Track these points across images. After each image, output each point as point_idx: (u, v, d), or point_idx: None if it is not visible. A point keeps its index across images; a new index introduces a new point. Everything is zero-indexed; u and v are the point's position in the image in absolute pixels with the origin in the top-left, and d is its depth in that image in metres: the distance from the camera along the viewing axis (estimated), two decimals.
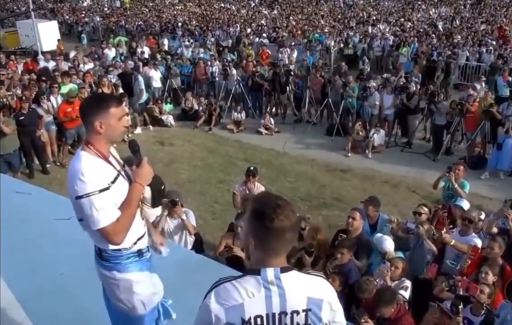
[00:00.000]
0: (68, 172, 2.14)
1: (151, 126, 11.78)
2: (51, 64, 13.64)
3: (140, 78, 11.58)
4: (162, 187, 5.22)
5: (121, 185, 2.20)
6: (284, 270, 1.64)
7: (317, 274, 1.75)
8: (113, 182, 2.15)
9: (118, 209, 2.15)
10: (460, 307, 3.63)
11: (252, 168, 6.25)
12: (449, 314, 3.71)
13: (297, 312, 1.63)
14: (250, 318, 1.60)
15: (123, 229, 2.15)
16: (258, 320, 1.61)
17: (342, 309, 1.75)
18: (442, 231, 4.85)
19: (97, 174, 2.09)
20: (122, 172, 2.27)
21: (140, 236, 2.32)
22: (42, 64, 13.94)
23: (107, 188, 2.10)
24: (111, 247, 2.19)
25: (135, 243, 2.28)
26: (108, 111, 2.17)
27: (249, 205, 1.71)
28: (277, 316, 1.62)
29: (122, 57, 15.04)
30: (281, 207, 1.60)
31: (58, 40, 19.01)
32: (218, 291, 1.64)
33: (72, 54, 15.02)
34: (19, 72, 12.18)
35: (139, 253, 2.31)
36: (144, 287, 2.31)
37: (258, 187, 6.14)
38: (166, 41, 19.54)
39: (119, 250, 2.22)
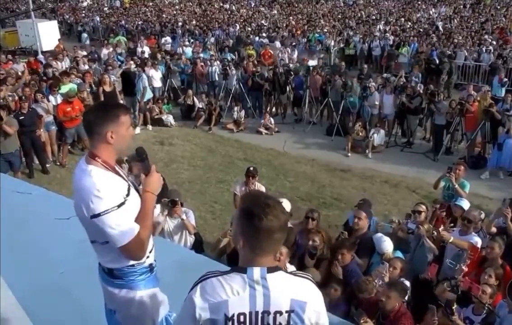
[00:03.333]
0: (77, 190, 2.01)
1: (150, 126, 11.80)
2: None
3: (144, 76, 11.62)
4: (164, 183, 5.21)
5: (134, 196, 2.12)
6: (270, 270, 1.65)
7: (303, 276, 1.76)
8: (127, 194, 2.06)
9: (134, 222, 2.06)
10: (454, 307, 3.63)
11: (251, 168, 6.23)
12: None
13: (280, 313, 1.65)
14: (233, 315, 1.62)
15: (143, 243, 2.07)
16: (241, 317, 1.63)
17: (325, 311, 1.76)
18: (440, 229, 4.85)
19: (112, 189, 1.99)
20: (129, 182, 2.18)
21: (150, 248, 2.25)
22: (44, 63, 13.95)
23: (124, 203, 2.01)
24: (127, 263, 2.11)
25: (147, 256, 2.21)
26: (118, 119, 2.07)
27: (239, 204, 1.72)
28: (259, 315, 1.64)
29: (121, 57, 15.06)
30: (271, 207, 1.60)
31: (59, 39, 19.01)
32: (204, 286, 1.66)
33: (80, 53, 15.09)
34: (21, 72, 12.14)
35: (151, 268, 2.25)
36: (153, 303, 2.26)
37: (259, 188, 6.13)
38: (170, 40, 19.53)
39: (133, 265, 2.14)
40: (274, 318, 1.65)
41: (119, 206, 1.98)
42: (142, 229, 2.05)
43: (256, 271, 1.63)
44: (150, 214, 2.13)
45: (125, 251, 2.03)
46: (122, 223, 1.98)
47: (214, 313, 1.62)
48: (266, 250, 1.65)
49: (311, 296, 1.69)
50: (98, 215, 1.94)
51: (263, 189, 6.18)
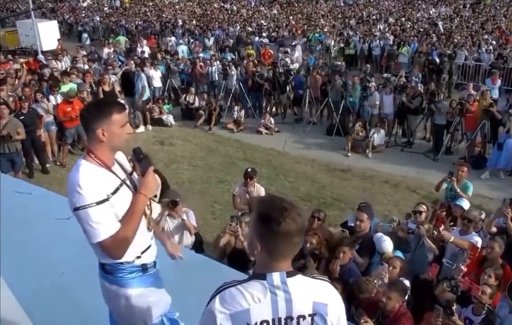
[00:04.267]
0: (67, 183, 2.05)
1: (150, 126, 11.81)
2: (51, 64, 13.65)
3: (143, 76, 11.63)
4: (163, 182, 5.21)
5: (124, 195, 2.11)
6: (290, 274, 1.62)
7: (322, 278, 1.73)
8: (113, 192, 2.05)
9: (119, 221, 2.05)
10: (453, 308, 3.63)
11: (249, 169, 6.14)
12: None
13: (303, 317, 1.62)
14: (256, 324, 1.59)
15: (123, 243, 2.05)
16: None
17: (345, 312, 1.74)
18: (441, 228, 4.85)
19: (95, 185, 2.00)
20: (127, 181, 2.17)
21: (144, 249, 2.23)
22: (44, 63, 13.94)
23: (106, 200, 2.01)
24: (114, 260, 2.12)
25: (138, 257, 2.19)
26: (110, 118, 2.07)
27: (254, 208, 1.67)
28: (283, 321, 1.61)
29: (121, 57, 15.06)
30: (288, 210, 1.57)
31: (58, 40, 19.01)
32: (223, 296, 1.61)
33: (82, 52, 15.11)
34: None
35: (143, 268, 2.22)
36: (143, 303, 2.23)
37: (258, 189, 6.09)
38: (173, 39, 19.50)
39: (121, 263, 2.14)
40: (298, 323, 1.62)
41: (98, 203, 1.98)
42: (123, 229, 2.04)
43: (276, 277, 1.60)
44: (137, 215, 2.11)
45: (102, 248, 2.04)
46: (99, 220, 1.98)
47: (236, 322, 1.58)
48: (285, 254, 1.62)
49: (332, 297, 1.68)
50: (78, 209, 1.97)
51: (262, 190, 6.16)
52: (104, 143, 2.08)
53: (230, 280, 1.66)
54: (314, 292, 1.64)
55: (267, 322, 1.59)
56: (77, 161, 2.12)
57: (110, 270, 2.16)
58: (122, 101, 10.47)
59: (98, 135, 2.06)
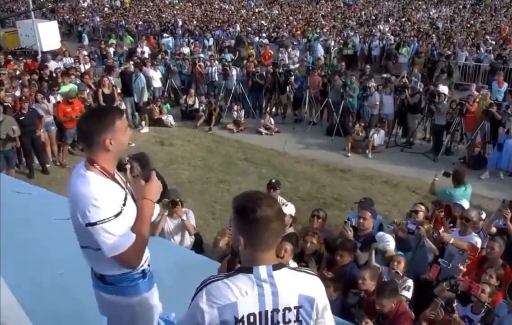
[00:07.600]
0: (74, 196, 1.98)
1: (148, 127, 11.81)
2: (53, 64, 13.65)
3: (142, 76, 11.61)
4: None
5: (131, 204, 2.09)
6: (276, 267, 1.66)
7: (308, 272, 1.77)
8: (124, 204, 2.03)
9: (131, 230, 2.03)
10: (454, 305, 3.63)
11: (273, 180, 5.99)
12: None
13: (289, 309, 1.65)
14: (243, 317, 1.62)
15: (140, 250, 2.05)
16: (251, 318, 1.62)
17: (329, 306, 1.78)
18: (440, 230, 4.85)
19: (110, 198, 1.97)
20: (127, 190, 2.16)
21: (145, 257, 2.23)
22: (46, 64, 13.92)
23: (120, 212, 1.98)
24: (119, 271, 2.08)
25: (141, 264, 2.18)
26: (115, 125, 2.02)
27: (232, 204, 1.70)
28: (269, 314, 1.64)
29: (122, 58, 15.08)
30: (262, 199, 1.63)
31: (61, 41, 19.02)
32: (209, 290, 1.64)
33: (84, 53, 15.11)
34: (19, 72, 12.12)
35: (144, 273, 2.21)
36: (145, 308, 2.23)
37: (280, 202, 5.64)
38: (171, 42, 19.51)
39: (126, 272, 2.11)
40: (284, 315, 1.65)
41: (116, 215, 1.96)
42: (138, 237, 2.02)
43: (263, 270, 1.63)
44: (148, 222, 2.10)
45: (120, 260, 2.00)
46: (117, 233, 1.96)
47: (224, 316, 1.61)
48: (266, 243, 1.64)
49: (317, 290, 1.71)
50: (94, 223, 1.92)
51: (290, 207, 5.87)
52: (110, 152, 2.03)
53: (215, 274, 1.69)
54: (300, 285, 1.68)
55: (254, 315, 1.62)
56: (78, 171, 2.04)
57: (112, 281, 2.13)
58: (121, 103, 10.54)
59: (106, 145, 2.01)
